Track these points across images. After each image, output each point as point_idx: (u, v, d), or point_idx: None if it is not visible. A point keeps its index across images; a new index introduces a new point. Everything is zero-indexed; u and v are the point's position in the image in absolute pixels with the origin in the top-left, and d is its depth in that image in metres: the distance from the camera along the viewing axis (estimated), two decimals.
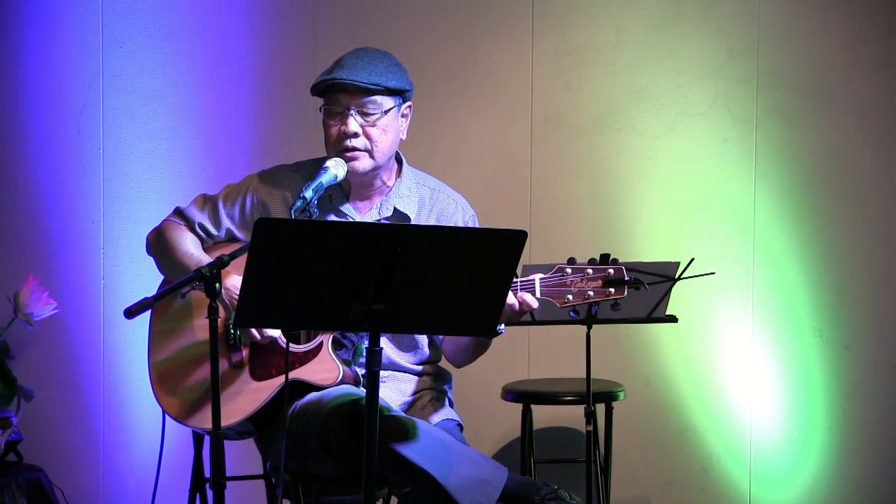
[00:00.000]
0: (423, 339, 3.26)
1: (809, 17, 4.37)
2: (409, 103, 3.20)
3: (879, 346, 4.35)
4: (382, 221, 3.19)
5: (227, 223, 3.26)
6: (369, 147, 3.11)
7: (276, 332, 3.12)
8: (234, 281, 3.03)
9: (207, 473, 3.10)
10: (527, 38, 4.46)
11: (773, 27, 4.36)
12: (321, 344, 3.11)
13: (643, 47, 4.42)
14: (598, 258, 2.93)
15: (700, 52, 4.40)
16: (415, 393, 3.24)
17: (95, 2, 4.52)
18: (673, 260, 3.27)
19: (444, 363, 3.36)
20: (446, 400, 3.31)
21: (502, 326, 2.93)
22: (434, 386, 3.29)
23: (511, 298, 2.87)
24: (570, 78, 4.45)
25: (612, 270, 2.91)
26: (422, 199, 3.24)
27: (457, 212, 3.25)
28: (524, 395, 4.04)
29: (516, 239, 2.54)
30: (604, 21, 4.44)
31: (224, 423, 2.79)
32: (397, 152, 3.25)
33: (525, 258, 2.64)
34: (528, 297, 2.91)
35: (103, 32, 4.53)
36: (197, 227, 3.27)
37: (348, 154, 3.10)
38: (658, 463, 4.45)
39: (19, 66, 4.56)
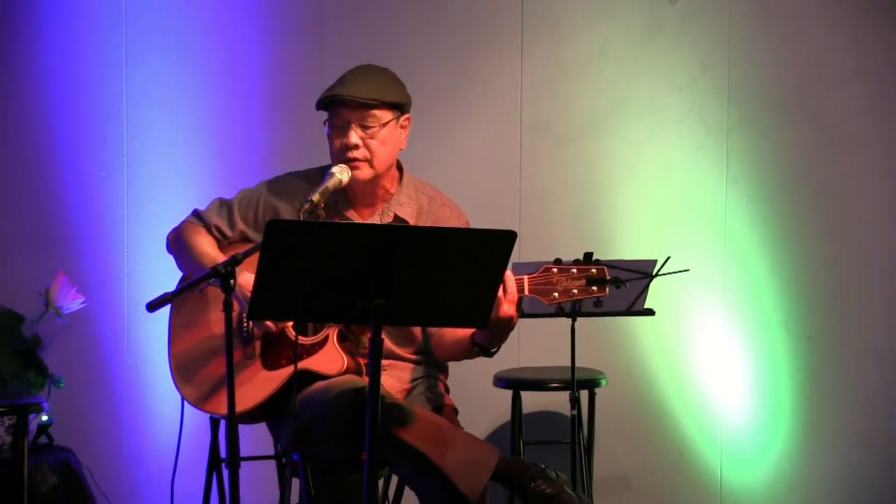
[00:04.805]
0: (419, 332, 3.28)
1: (778, 34, 4.42)
2: (407, 115, 3.21)
3: (840, 337, 4.40)
4: None
5: (240, 225, 3.29)
6: (369, 157, 3.14)
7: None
8: (246, 278, 3.06)
9: (223, 454, 3.13)
10: (517, 52, 4.51)
11: (744, 43, 4.42)
12: (327, 337, 3.14)
13: (625, 61, 4.47)
14: (581, 257, 2.95)
15: (676, 66, 4.45)
16: (413, 380, 3.27)
17: (119, 21, 4.58)
18: (651, 258, 3.43)
19: None
20: (442, 386, 3.34)
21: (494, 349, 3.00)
22: (431, 374, 3.31)
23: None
24: (558, 89, 4.51)
25: (594, 270, 2.90)
26: (420, 207, 3.26)
27: (450, 218, 3.27)
28: (514, 382, 4.09)
29: (507, 238, 2.57)
30: (589, 36, 4.49)
31: (238, 408, 2.79)
32: (398, 161, 3.27)
33: (515, 256, 2.67)
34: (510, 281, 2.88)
35: (126, 49, 4.59)
36: (213, 228, 3.30)
37: (350, 164, 3.14)
38: (637, 445, 4.51)
39: (50, 81, 4.62)
